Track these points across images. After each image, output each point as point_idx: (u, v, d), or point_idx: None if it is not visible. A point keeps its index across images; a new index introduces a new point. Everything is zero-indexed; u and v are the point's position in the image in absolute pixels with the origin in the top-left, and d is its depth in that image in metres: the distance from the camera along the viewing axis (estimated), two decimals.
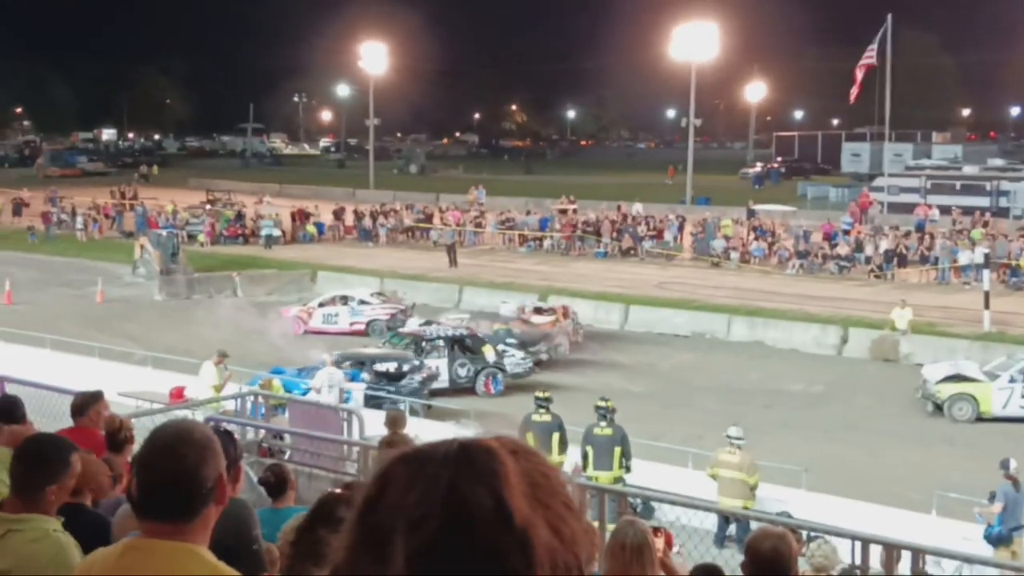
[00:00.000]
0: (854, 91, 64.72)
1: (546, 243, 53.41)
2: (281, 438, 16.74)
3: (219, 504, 2.85)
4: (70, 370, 23.72)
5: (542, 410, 19.39)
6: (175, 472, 2.71)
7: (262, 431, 15.84)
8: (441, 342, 29.62)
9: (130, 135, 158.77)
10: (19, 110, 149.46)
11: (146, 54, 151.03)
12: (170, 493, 2.72)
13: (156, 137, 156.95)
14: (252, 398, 17.87)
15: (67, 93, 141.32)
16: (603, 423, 18.79)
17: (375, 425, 16.25)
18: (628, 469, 18.65)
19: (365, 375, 27.08)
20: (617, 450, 18.55)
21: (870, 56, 62.67)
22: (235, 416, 16.29)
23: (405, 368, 27.93)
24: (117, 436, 7.19)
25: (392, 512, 1.41)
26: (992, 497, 17.52)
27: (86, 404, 7.81)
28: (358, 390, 25.71)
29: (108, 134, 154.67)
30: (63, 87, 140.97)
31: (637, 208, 59.80)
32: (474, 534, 1.38)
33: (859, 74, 63.75)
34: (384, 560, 1.40)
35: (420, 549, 1.38)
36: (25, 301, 39.84)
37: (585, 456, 18.63)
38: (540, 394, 20.04)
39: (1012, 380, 27.29)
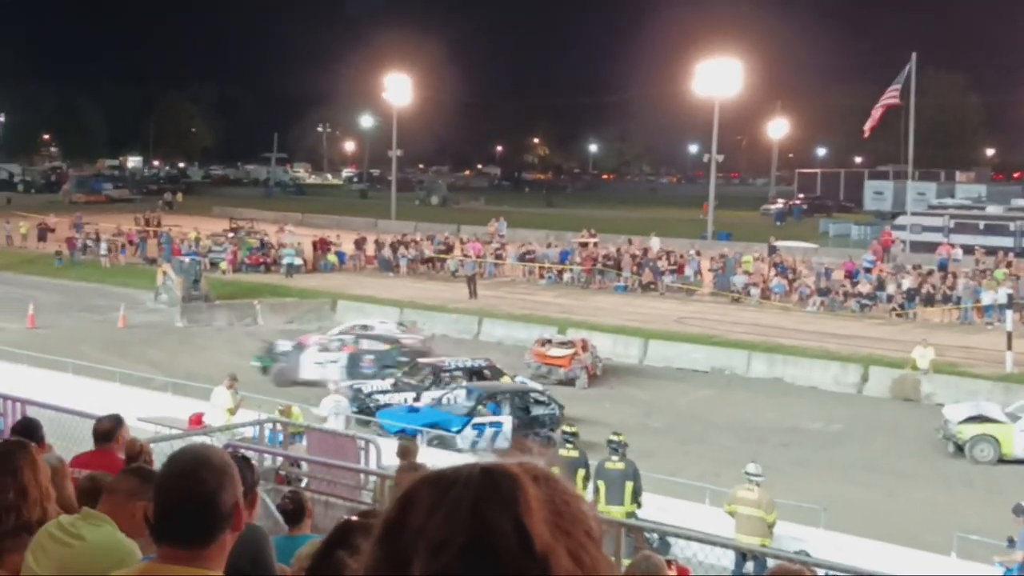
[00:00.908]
0: (868, 126, 64.71)
1: (566, 276, 53.41)
2: (298, 466, 16.75)
3: (235, 530, 2.86)
4: (91, 395, 23.80)
5: (569, 445, 19.33)
6: (193, 496, 2.73)
7: (279, 458, 15.86)
8: (460, 373, 29.62)
9: (155, 162, 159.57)
10: (47, 136, 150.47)
11: (173, 81, 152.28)
12: (188, 517, 2.73)
13: (181, 165, 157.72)
14: (271, 425, 17.90)
15: (95, 119, 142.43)
16: (615, 457, 18.71)
17: (392, 454, 16.25)
18: (639, 504, 18.57)
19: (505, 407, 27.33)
20: (629, 485, 18.46)
21: (893, 95, 62.63)
22: (253, 443, 16.32)
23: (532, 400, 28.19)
24: (137, 460, 7.22)
25: (414, 535, 1.42)
26: (1011, 543, 17.38)
27: (111, 430, 7.83)
28: (507, 423, 26.46)
29: (134, 161, 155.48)
30: (91, 113, 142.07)
31: (654, 242, 59.89)
32: (495, 560, 1.38)
33: (877, 112, 63.70)
34: None
35: (440, 573, 1.39)
36: (48, 325, 40.04)
37: (597, 491, 18.56)
38: (567, 428, 20.01)
39: None
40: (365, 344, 34.17)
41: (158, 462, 7.80)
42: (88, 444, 8.03)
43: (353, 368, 32.85)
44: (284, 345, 33.92)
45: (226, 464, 2.83)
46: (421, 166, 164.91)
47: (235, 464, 2.90)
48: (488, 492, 1.43)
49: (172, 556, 2.73)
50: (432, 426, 25.94)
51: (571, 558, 1.42)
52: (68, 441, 10.76)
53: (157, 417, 22.74)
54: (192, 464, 2.81)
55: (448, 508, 1.42)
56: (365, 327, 37.30)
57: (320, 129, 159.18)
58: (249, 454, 11.67)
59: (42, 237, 63.04)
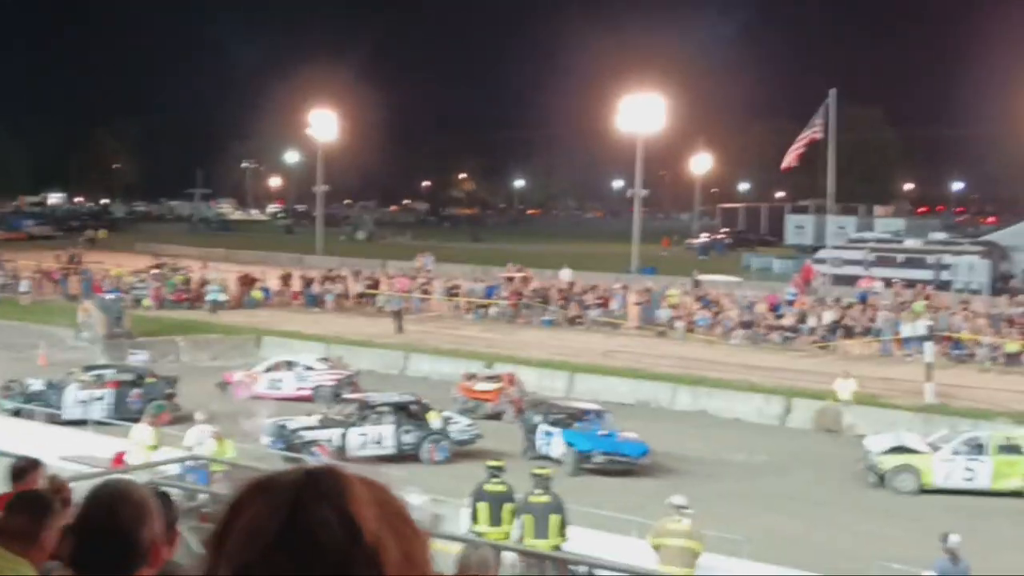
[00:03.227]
0: (787, 162, 65.56)
1: (492, 310, 53.46)
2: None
3: (153, 566, 2.86)
4: (12, 433, 23.45)
5: (495, 479, 19.30)
6: (112, 532, 2.73)
7: (202, 496, 15.71)
8: (387, 408, 29.57)
9: (78, 199, 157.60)
10: None
11: (95, 117, 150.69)
12: (106, 553, 2.73)
13: (104, 201, 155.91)
14: (193, 462, 17.73)
15: (15, 155, 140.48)
16: (539, 490, 18.70)
17: None
18: (565, 537, 18.56)
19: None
20: (555, 518, 18.42)
21: (816, 130, 63.49)
22: (178, 480, 16.17)
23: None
24: (58, 496, 7.19)
25: (239, 537, 1.43)
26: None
27: (25, 470, 7.78)
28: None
29: (55, 197, 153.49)
30: (11, 150, 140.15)
31: (565, 273, 60.30)
32: (317, 549, 1.39)
33: (798, 148, 64.49)
34: None
35: (250, 562, 1.40)
36: None
37: (523, 525, 18.54)
38: (493, 463, 19.98)
39: (955, 452, 27.55)
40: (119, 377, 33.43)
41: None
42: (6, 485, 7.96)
43: (120, 404, 32.05)
44: (36, 384, 32.75)
45: (145, 500, 2.84)
46: (348, 201, 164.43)
47: (154, 500, 2.91)
48: (310, 486, 1.45)
49: None
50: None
51: (401, 553, 1.43)
52: None
53: (79, 456, 22.48)
54: (111, 499, 2.81)
55: (268, 502, 1.44)
56: (291, 363, 37.16)
57: (244, 165, 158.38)
58: (172, 491, 11.57)
59: None
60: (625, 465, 28.21)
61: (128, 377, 33.56)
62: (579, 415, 30.14)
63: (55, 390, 32.23)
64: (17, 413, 30.63)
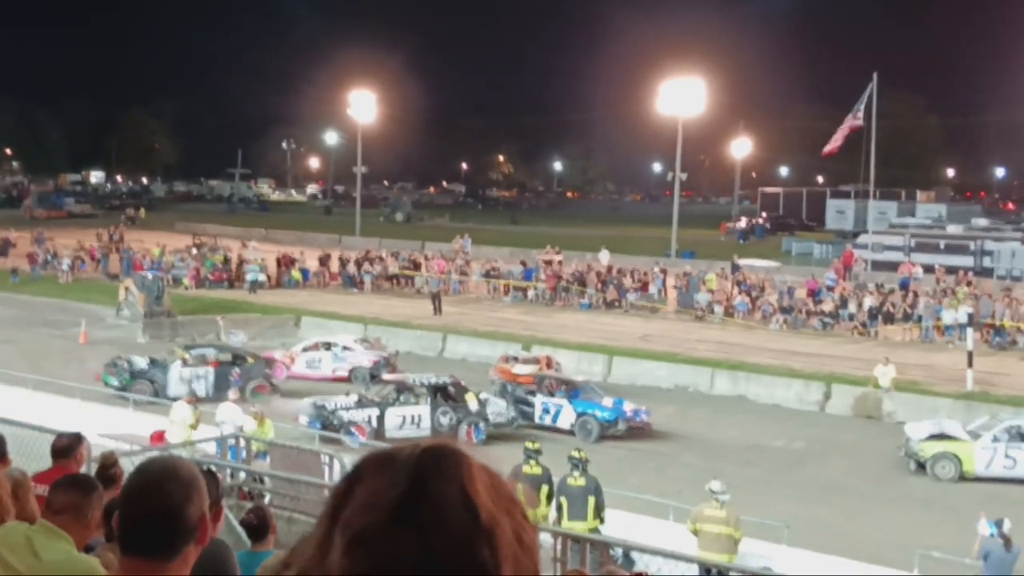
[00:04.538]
0: (828, 149, 65.25)
1: (530, 293, 53.42)
2: (262, 481, 16.66)
3: (200, 543, 2.83)
4: (51, 410, 23.59)
5: (532, 461, 19.28)
6: (160, 508, 2.70)
7: (242, 474, 15.77)
8: (424, 389, 29.59)
9: (118, 178, 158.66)
10: (8, 151, 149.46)
11: (137, 97, 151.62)
12: (153, 529, 2.70)
13: (144, 181, 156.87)
14: (233, 441, 17.80)
15: (57, 135, 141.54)
16: (576, 473, 18.69)
17: None
18: (602, 520, 18.55)
19: None
20: (591, 500, 18.43)
21: (857, 116, 63.09)
22: (215, 458, 16.22)
23: None
24: (108, 472, 7.35)
25: (359, 507, 1.43)
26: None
27: (69, 446, 7.81)
28: None
29: (96, 176, 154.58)
30: (53, 129, 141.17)
31: (604, 255, 60.22)
32: (440, 525, 1.39)
33: (841, 132, 64.16)
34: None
35: (365, 529, 1.40)
36: (7, 340, 39.67)
37: (560, 507, 18.53)
38: (530, 445, 19.94)
39: (995, 440, 27.28)
40: (220, 357, 34.18)
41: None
42: (48, 460, 7.99)
43: (221, 382, 32.49)
44: (140, 362, 33.46)
45: (193, 477, 2.80)
46: (386, 183, 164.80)
47: (203, 477, 2.87)
48: (430, 462, 1.45)
49: (135, 567, 2.70)
50: None
51: (514, 535, 1.43)
52: (29, 457, 10.66)
53: (118, 434, 22.59)
54: (159, 476, 2.77)
55: (388, 475, 1.44)
56: (329, 344, 37.26)
57: (284, 145, 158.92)
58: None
59: (3, 252, 62.55)
60: (642, 428, 30.14)
61: (228, 357, 34.27)
62: (575, 386, 31.21)
63: (159, 368, 33.01)
64: (123, 390, 31.13)
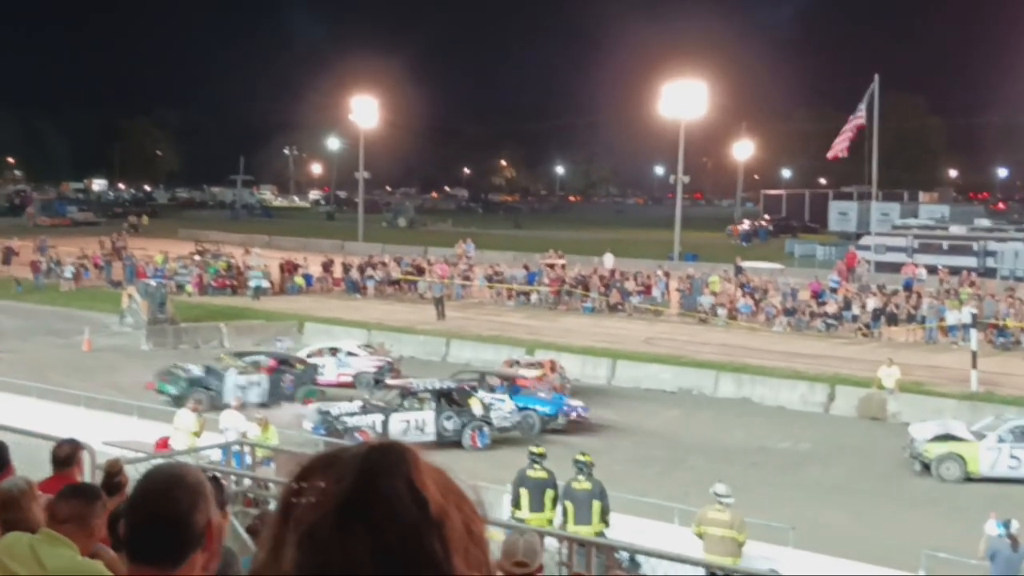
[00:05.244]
0: (834, 152, 65.22)
1: (534, 297, 53.41)
2: (267, 488, 16.64)
3: (207, 550, 2.83)
4: (56, 419, 23.61)
5: (536, 466, 19.25)
6: (166, 515, 2.70)
7: (247, 481, 15.76)
8: (428, 394, 29.58)
9: (121, 186, 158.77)
10: (10, 159, 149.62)
11: (139, 105, 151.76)
12: (160, 536, 2.70)
13: (147, 188, 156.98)
14: (237, 447, 17.80)
15: (59, 143, 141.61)
16: (581, 477, 18.66)
17: None
18: (607, 524, 18.53)
19: None
20: (596, 504, 18.40)
21: (860, 117, 63.08)
22: (220, 465, 16.21)
23: None
24: (113, 479, 7.40)
25: (308, 505, 1.45)
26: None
27: (70, 454, 7.84)
28: None
29: (99, 184, 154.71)
30: (55, 137, 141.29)
31: (608, 259, 60.25)
32: (390, 518, 1.41)
33: (846, 134, 64.15)
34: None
35: (315, 525, 1.42)
36: (11, 349, 39.70)
37: (565, 511, 18.50)
38: (535, 449, 19.92)
39: (1000, 440, 27.26)
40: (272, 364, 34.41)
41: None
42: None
43: (275, 389, 32.78)
44: (196, 370, 33.48)
45: (200, 483, 2.81)
46: (388, 188, 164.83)
47: (209, 484, 2.88)
48: (377, 458, 1.48)
49: (143, 574, 2.70)
50: None
51: (464, 528, 1.46)
52: (33, 465, 10.65)
53: (123, 441, 22.57)
54: (166, 483, 2.78)
55: (335, 472, 1.46)
56: (334, 349, 37.28)
57: (286, 152, 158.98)
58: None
59: (6, 261, 62.56)
60: (580, 423, 31.24)
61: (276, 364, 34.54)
62: (514, 382, 32.17)
63: (214, 375, 33.12)
64: (179, 398, 30.88)
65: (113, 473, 7.80)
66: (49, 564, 4.03)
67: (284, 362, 34.78)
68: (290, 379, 33.68)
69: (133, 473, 8.50)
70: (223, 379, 32.86)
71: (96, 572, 3.97)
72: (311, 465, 1.50)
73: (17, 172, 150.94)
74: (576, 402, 31.90)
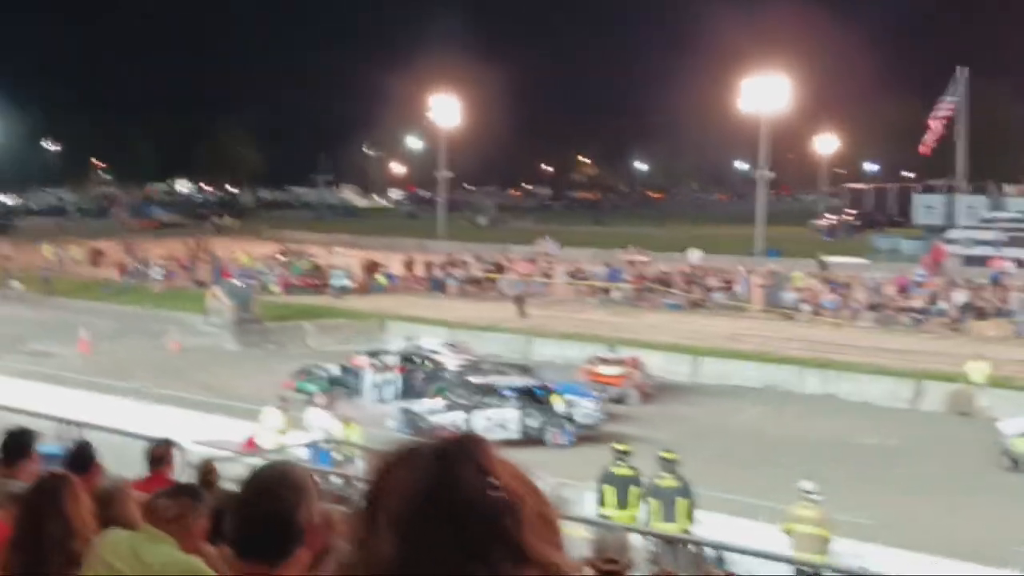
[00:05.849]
0: (928, 143, 64.35)
1: (616, 294, 53.26)
2: (354, 485, 16.79)
3: (310, 547, 2.88)
4: (147, 418, 23.97)
5: (621, 463, 19.19)
6: (273, 512, 2.76)
7: (333, 479, 15.90)
8: (511, 392, 29.62)
9: (205, 186, 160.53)
10: (98, 162, 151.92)
11: (221, 107, 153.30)
12: (267, 532, 2.76)
13: (233, 189, 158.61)
14: (324, 445, 17.96)
15: (145, 145, 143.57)
16: (666, 474, 18.56)
17: None
18: (693, 521, 18.41)
19: None
20: (682, 502, 18.28)
21: (949, 108, 62.20)
22: (308, 463, 16.37)
23: None
24: (207, 477, 7.66)
25: (392, 496, 1.55)
26: None
27: (164, 454, 8.08)
28: None
29: (182, 186, 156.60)
30: (141, 139, 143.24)
31: (693, 255, 59.90)
32: (468, 504, 1.52)
33: (934, 125, 63.30)
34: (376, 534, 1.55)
35: (403, 514, 1.52)
36: (103, 351, 40.33)
37: (650, 509, 18.42)
38: (619, 446, 19.87)
39: None
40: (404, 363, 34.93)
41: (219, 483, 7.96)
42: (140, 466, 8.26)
43: (408, 387, 33.11)
44: (334, 369, 34.07)
45: (305, 481, 2.87)
46: (469, 186, 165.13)
47: (314, 482, 2.93)
48: (452, 449, 1.59)
49: (250, 571, 2.75)
50: None
51: (537, 514, 1.56)
52: (122, 463, 10.84)
53: (211, 440, 22.87)
54: (273, 481, 2.84)
55: (416, 464, 1.57)
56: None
57: (367, 151, 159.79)
58: None
59: (94, 262, 63.62)
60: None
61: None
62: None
63: (352, 374, 34.05)
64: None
65: (207, 472, 8.10)
66: (152, 561, 4.11)
67: (409, 359, 35.34)
68: (421, 376, 34.17)
69: (223, 472, 8.73)
70: (361, 378, 33.63)
71: (197, 568, 4.04)
72: (392, 458, 1.60)
73: (104, 175, 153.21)
74: (588, 404, 30.52)
